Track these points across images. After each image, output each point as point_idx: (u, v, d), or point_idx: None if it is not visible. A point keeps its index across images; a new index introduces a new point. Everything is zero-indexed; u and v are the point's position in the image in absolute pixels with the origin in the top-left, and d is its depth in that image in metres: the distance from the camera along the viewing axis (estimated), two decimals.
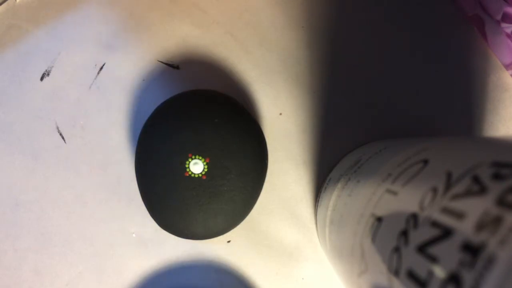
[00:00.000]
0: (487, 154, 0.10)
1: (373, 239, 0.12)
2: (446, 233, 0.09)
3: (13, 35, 0.22)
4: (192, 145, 0.18)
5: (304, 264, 0.22)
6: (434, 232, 0.09)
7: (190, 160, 0.18)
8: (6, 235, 0.22)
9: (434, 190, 0.10)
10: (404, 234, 0.10)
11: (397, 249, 0.11)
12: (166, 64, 0.22)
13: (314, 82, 0.22)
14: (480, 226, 0.08)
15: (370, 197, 0.14)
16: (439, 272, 0.09)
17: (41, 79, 0.22)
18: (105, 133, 0.22)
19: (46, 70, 0.22)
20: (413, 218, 0.10)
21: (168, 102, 0.19)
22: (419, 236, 0.10)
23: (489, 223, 0.08)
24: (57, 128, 0.22)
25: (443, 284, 0.08)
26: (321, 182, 0.22)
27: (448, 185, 0.10)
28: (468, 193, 0.09)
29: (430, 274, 0.09)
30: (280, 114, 0.22)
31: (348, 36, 0.22)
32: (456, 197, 0.09)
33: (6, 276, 0.22)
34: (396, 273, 0.10)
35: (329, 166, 0.22)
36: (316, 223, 0.21)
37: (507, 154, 0.09)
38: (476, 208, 0.09)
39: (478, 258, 0.08)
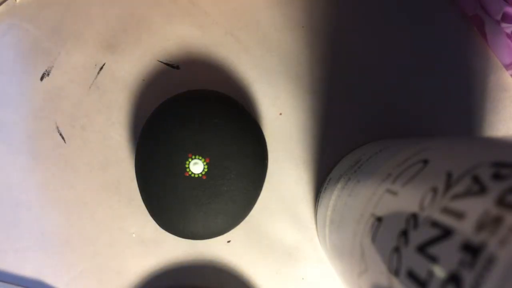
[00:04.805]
0: (487, 154, 0.10)
1: (373, 239, 0.12)
2: (446, 233, 0.09)
3: (13, 35, 0.22)
4: (192, 145, 0.18)
5: (304, 264, 0.22)
6: (434, 232, 0.09)
7: (190, 160, 0.18)
8: (6, 235, 0.22)
9: (434, 190, 0.10)
10: (404, 234, 0.10)
11: (397, 249, 0.11)
12: (166, 64, 0.22)
13: (314, 82, 0.22)
14: (480, 226, 0.08)
15: (370, 197, 0.14)
16: (439, 272, 0.09)
17: (41, 79, 0.22)
18: (105, 133, 0.22)
19: (46, 70, 0.22)
20: (413, 218, 0.10)
21: (168, 102, 0.19)
22: (419, 236, 0.10)
23: (489, 223, 0.08)
24: (57, 128, 0.22)
25: (443, 284, 0.08)
26: (321, 182, 0.22)
27: (448, 185, 0.10)
28: (468, 193, 0.09)
29: (430, 274, 0.09)
30: (280, 114, 0.22)
31: (348, 36, 0.22)
32: (456, 197, 0.09)
33: (6, 276, 0.22)
34: (396, 273, 0.10)
35: (329, 166, 0.22)
36: (316, 223, 0.21)
37: (507, 154, 0.09)
38: (476, 208, 0.09)
39: (478, 258, 0.08)
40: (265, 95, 0.22)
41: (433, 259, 0.09)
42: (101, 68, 0.22)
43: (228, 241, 0.22)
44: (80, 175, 0.22)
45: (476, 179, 0.09)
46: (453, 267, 0.08)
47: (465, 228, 0.09)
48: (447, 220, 0.09)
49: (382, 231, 0.12)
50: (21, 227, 0.22)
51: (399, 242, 0.10)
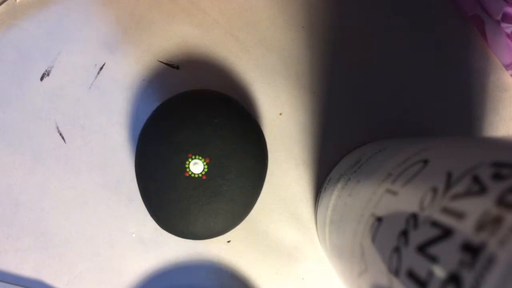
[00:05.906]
0: (487, 154, 0.10)
1: (373, 239, 0.12)
2: (446, 233, 0.09)
3: (13, 35, 0.22)
4: (192, 145, 0.18)
5: (304, 264, 0.22)
6: (434, 232, 0.09)
7: (190, 160, 0.18)
8: (6, 235, 0.22)
9: (434, 190, 0.10)
10: (404, 234, 0.10)
11: (397, 249, 0.11)
12: (166, 64, 0.22)
13: (314, 82, 0.22)
14: (480, 226, 0.08)
15: (370, 197, 0.14)
16: (439, 272, 0.09)
17: (41, 79, 0.22)
18: (105, 133, 0.22)
19: (46, 70, 0.22)
20: (413, 218, 0.10)
21: (168, 102, 0.19)
22: (419, 236, 0.10)
23: (489, 223, 0.08)
24: (57, 128, 0.22)
25: (443, 284, 0.08)
26: (321, 182, 0.22)
27: (448, 185, 0.10)
28: (468, 193, 0.09)
29: (430, 274, 0.09)
30: (280, 114, 0.22)
31: (348, 36, 0.22)
32: (456, 197, 0.09)
33: (6, 276, 0.22)
34: (396, 273, 0.10)
35: (329, 166, 0.22)
36: (316, 223, 0.21)
37: (507, 154, 0.09)
38: (476, 208, 0.09)
39: (478, 258, 0.08)
40: (265, 95, 0.22)
41: (433, 259, 0.09)
42: (101, 68, 0.22)
43: (228, 241, 0.22)
44: (80, 175, 0.22)
45: (476, 179, 0.09)
46: (453, 267, 0.08)
47: (465, 228, 0.09)
48: (447, 220, 0.09)
49: (382, 231, 0.12)
50: (21, 227, 0.22)
51: (399, 242, 0.10)
